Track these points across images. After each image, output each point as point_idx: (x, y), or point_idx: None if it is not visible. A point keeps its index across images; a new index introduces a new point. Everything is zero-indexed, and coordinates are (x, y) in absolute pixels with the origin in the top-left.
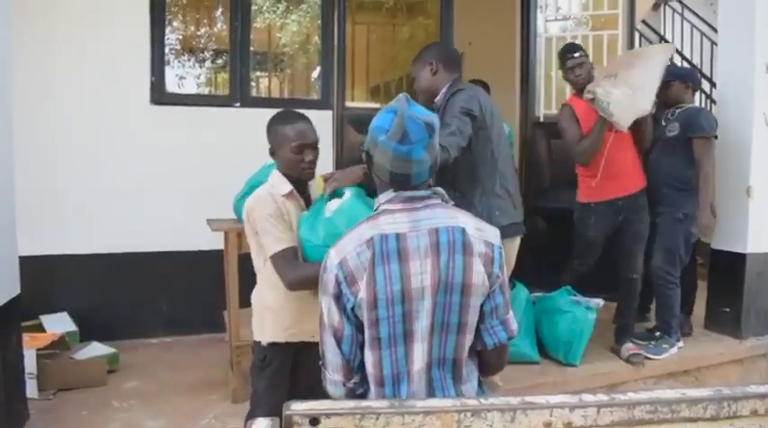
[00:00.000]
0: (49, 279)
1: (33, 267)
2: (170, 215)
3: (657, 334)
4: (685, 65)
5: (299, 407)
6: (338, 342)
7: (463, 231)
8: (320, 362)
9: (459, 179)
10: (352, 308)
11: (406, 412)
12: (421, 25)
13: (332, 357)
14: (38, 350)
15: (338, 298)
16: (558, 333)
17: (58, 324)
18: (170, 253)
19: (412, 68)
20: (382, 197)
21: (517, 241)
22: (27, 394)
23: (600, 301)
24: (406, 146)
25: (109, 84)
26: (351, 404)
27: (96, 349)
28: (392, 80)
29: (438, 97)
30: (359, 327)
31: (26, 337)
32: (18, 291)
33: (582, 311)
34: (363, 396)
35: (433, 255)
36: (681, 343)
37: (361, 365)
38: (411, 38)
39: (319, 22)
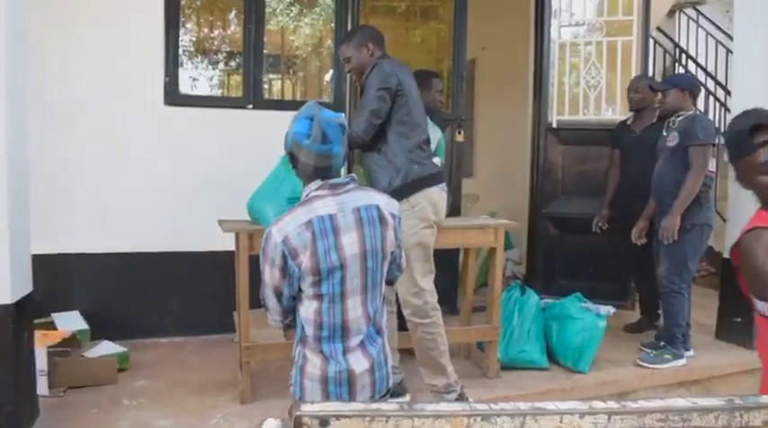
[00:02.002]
0: (61, 277)
1: (46, 265)
2: (182, 215)
3: (661, 344)
4: (700, 72)
5: (308, 408)
6: (278, 297)
7: (378, 208)
8: (262, 305)
9: (380, 141)
10: (298, 277)
11: (416, 415)
12: (434, 30)
13: (273, 305)
14: (49, 347)
15: (283, 268)
16: (568, 339)
17: (70, 322)
18: (182, 253)
19: (344, 49)
20: (312, 185)
21: (439, 191)
22: (38, 391)
23: (611, 309)
24: (326, 145)
25: (123, 85)
26: (360, 406)
27: (107, 347)
28: None
29: (363, 76)
30: (296, 288)
31: (38, 335)
32: (30, 289)
33: (592, 318)
34: (291, 326)
35: (358, 229)
36: (691, 353)
37: (293, 310)
38: (424, 42)
39: (332, 25)
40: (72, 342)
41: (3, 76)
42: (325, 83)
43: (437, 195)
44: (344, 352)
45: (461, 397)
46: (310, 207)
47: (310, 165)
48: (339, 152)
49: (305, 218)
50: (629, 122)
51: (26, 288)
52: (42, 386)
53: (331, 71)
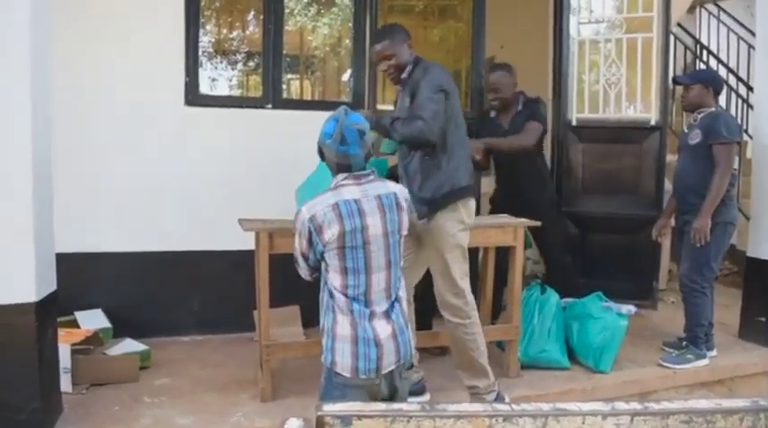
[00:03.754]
0: (84, 276)
1: (69, 264)
2: (203, 215)
3: (684, 344)
4: (721, 69)
5: (330, 409)
6: (305, 259)
7: (395, 195)
8: (295, 262)
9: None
10: (321, 250)
11: (438, 415)
12: (452, 28)
13: (302, 264)
14: (72, 345)
15: (309, 240)
16: (589, 339)
17: (93, 320)
18: (202, 252)
19: (385, 47)
20: (339, 176)
21: (473, 199)
22: (61, 388)
23: (632, 308)
24: (344, 146)
25: (144, 86)
26: (382, 406)
27: (129, 345)
28: None
29: (404, 74)
30: (319, 258)
31: (61, 332)
32: (54, 288)
33: (614, 318)
34: (317, 279)
35: (380, 213)
36: (713, 353)
37: (317, 269)
38: (442, 41)
39: (351, 24)
40: (95, 340)
41: (28, 79)
42: (343, 82)
43: (472, 203)
44: (370, 318)
45: (499, 398)
46: (337, 192)
47: (333, 161)
48: (357, 153)
49: (332, 200)
50: (493, 115)
51: (50, 286)
52: (66, 383)
53: (349, 71)
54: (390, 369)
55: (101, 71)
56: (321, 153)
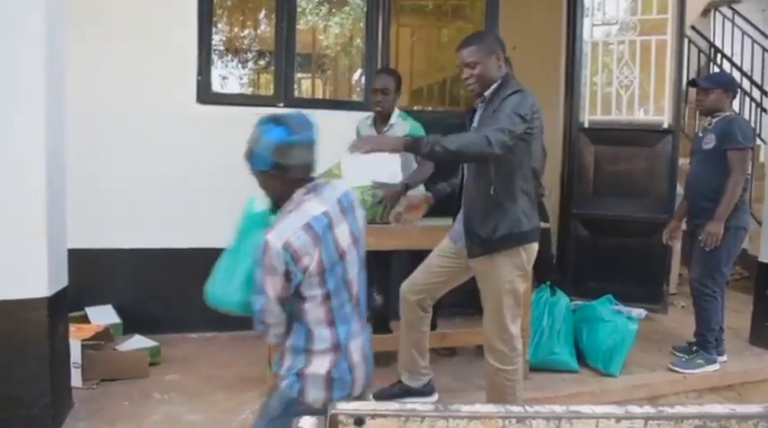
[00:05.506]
0: (94, 271)
1: (80, 260)
2: (213, 212)
3: (694, 348)
4: (735, 72)
5: (344, 407)
6: (282, 304)
7: (349, 193)
8: (260, 329)
9: (497, 179)
10: (299, 282)
11: (451, 416)
12: (465, 28)
13: (275, 319)
14: (83, 341)
15: (285, 274)
16: (599, 342)
17: (103, 316)
18: (211, 250)
19: (470, 52)
20: (300, 192)
21: (536, 246)
22: (72, 383)
23: (642, 311)
24: (311, 132)
25: (156, 84)
26: (396, 406)
27: (139, 341)
28: (435, 82)
29: (488, 91)
30: (295, 292)
31: (72, 328)
32: (66, 283)
33: (624, 321)
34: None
35: (345, 219)
36: (724, 358)
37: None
38: (454, 41)
39: (363, 24)
40: (105, 335)
41: (42, 80)
42: (355, 81)
43: (535, 247)
44: (348, 341)
45: None
46: (302, 210)
47: (302, 165)
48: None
49: (301, 221)
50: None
51: (62, 282)
52: (76, 378)
53: (360, 70)
54: (358, 394)
55: (111, 68)
56: (279, 170)
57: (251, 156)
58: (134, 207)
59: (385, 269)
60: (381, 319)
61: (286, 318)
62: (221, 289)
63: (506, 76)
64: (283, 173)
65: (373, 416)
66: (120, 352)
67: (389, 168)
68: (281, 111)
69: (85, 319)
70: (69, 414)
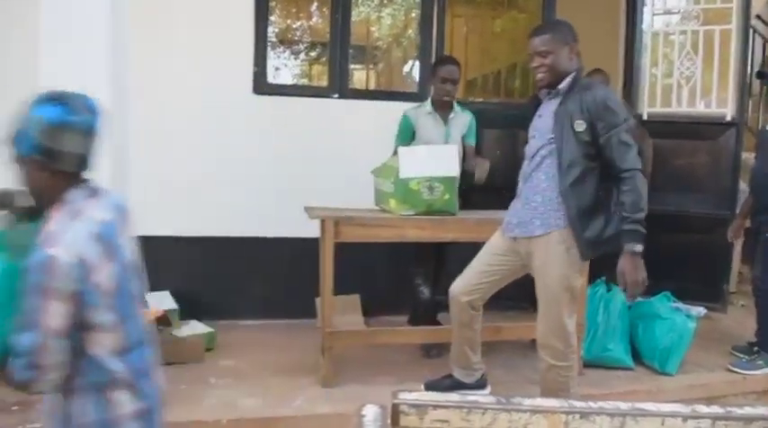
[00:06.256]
0: (152, 258)
1: (141, 247)
2: (268, 202)
3: (755, 349)
4: None
5: (406, 397)
6: (65, 339)
7: (123, 198)
8: (29, 376)
9: (604, 182)
10: (89, 303)
11: (514, 409)
12: (519, 18)
13: (57, 357)
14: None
15: (75, 295)
16: (656, 340)
17: (161, 301)
18: (266, 238)
19: (542, 41)
20: (75, 195)
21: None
22: None
23: (701, 309)
24: (96, 115)
25: (214, 74)
26: (456, 397)
27: (195, 327)
28: (490, 73)
29: (562, 84)
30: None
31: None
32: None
33: (682, 319)
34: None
35: (126, 228)
36: None
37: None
38: (508, 31)
39: (417, 14)
40: (164, 320)
41: (104, 72)
42: (409, 72)
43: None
44: (144, 368)
45: None
46: (87, 217)
47: (75, 155)
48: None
49: (89, 229)
50: None
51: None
52: None
53: (414, 61)
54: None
55: (170, 61)
56: (50, 156)
57: (14, 138)
58: (192, 195)
59: (434, 261)
60: (429, 312)
61: (69, 354)
62: None
63: (579, 70)
64: (51, 163)
65: (435, 407)
66: (177, 337)
67: (447, 162)
68: (335, 101)
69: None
70: None
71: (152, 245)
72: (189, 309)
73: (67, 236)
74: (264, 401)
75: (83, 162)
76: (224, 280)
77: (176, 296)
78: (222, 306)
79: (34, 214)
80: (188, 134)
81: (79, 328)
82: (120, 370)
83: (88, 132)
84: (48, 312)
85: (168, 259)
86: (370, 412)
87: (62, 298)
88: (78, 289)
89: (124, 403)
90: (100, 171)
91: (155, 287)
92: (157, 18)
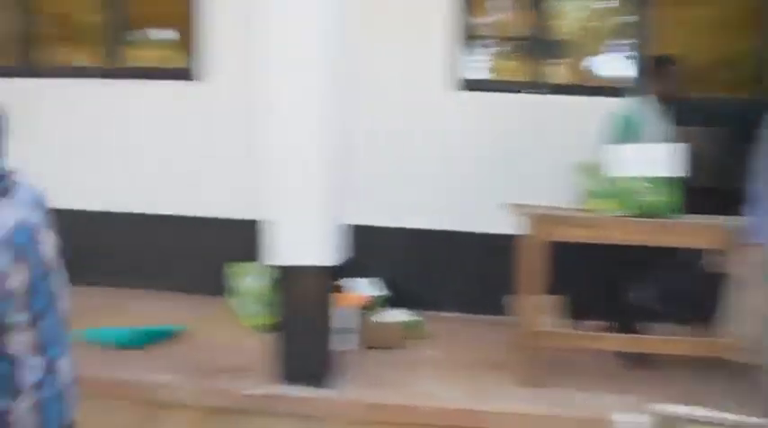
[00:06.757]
0: (368, 246)
1: (357, 235)
2: (473, 197)
3: None
4: None
5: (660, 409)
6: None
7: (39, 191)
8: None
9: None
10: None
11: None
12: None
13: None
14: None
15: None
16: None
17: (370, 288)
18: (467, 233)
19: None
20: None
21: None
22: (343, 347)
23: None
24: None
25: (417, 70)
26: (718, 415)
27: (400, 315)
28: (704, 64)
29: None
30: None
31: (344, 296)
32: (345, 255)
33: None
34: None
35: (46, 224)
36: None
37: None
38: (724, 19)
39: (625, 7)
40: (372, 305)
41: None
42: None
43: None
44: (60, 359)
45: None
46: None
47: None
48: None
49: None
50: None
51: (342, 253)
52: (347, 342)
53: (621, 55)
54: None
55: (378, 57)
56: None
57: None
58: (397, 187)
59: (642, 265)
60: (629, 318)
61: None
62: None
63: None
64: None
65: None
66: (384, 323)
67: (663, 161)
68: (541, 98)
69: (354, 289)
70: (337, 374)
71: (363, 234)
72: (395, 297)
73: None
74: (465, 394)
75: None
76: (428, 271)
77: (389, 284)
78: (426, 296)
79: None
80: (390, 130)
81: None
82: (36, 368)
83: None
84: None
85: (377, 248)
86: (633, 419)
87: None
88: None
89: (28, 399)
90: (314, 171)
91: (368, 273)
92: (362, 16)
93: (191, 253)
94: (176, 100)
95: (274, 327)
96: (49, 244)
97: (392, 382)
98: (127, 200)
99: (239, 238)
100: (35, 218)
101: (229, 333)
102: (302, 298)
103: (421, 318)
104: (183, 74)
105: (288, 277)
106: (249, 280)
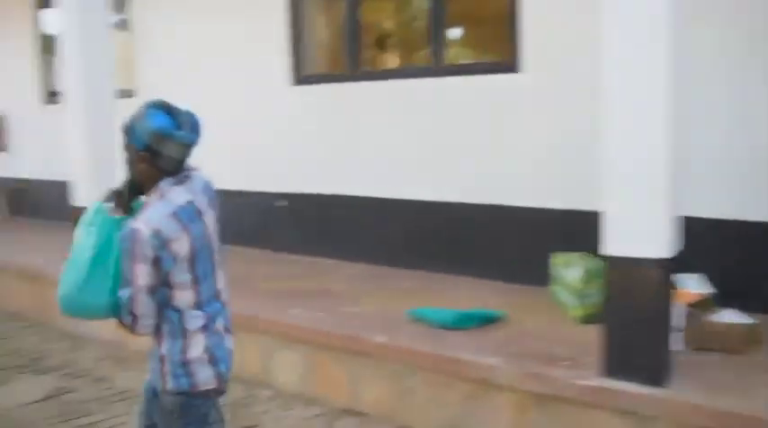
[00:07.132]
0: (690, 241)
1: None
2: None
3: None
4: None
5: None
6: (152, 294)
7: (210, 184)
8: (129, 320)
9: None
10: (169, 269)
11: None
12: None
13: (147, 309)
14: (688, 305)
15: (156, 261)
16: None
17: (695, 284)
18: None
19: None
20: (165, 184)
21: None
22: (672, 346)
23: None
24: (195, 135)
25: None
26: None
27: (734, 316)
28: None
29: None
30: (165, 280)
31: (675, 292)
32: (678, 247)
33: None
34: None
35: (211, 207)
36: None
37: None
38: None
39: None
40: (704, 304)
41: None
42: None
43: None
44: (216, 320)
45: None
46: (168, 199)
47: (175, 159)
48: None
49: (168, 209)
50: None
51: (677, 245)
52: (677, 342)
53: None
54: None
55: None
56: (153, 155)
57: (130, 131)
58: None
59: None
60: None
61: (156, 308)
62: (88, 295)
63: None
64: (154, 159)
65: None
66: (717, 323)
67: None
68: None
69: (678, 285)
70: (670, 374)
71: (687, 227)
72: (723, 296)
73: (148, 214)
74: None
75: (179, 164)
76: (760, 270)
77: (712, 281)
78: (756, 298)
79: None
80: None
81: (163, 287)
82: (196, 319)
83: (187, 145)
84: (136, 272)
85: (704, 242)
86: None
87: (144, 261)
88: (157, 255)
89: (198, 348)
90: (655, 154)
91: (690, 269)
92: None
93: (509, 242)
94: (498, 92)
95: (599, 319)
96: (210, 222)
97: (735, 389)
98: (453, 192)
99: (562, 229)
100: (200, 201)
101: (551, 322)
102: (640, 291)
103: (757, 321)
104: (503, 67)
105: (624, 268)
106: (573, 271)
